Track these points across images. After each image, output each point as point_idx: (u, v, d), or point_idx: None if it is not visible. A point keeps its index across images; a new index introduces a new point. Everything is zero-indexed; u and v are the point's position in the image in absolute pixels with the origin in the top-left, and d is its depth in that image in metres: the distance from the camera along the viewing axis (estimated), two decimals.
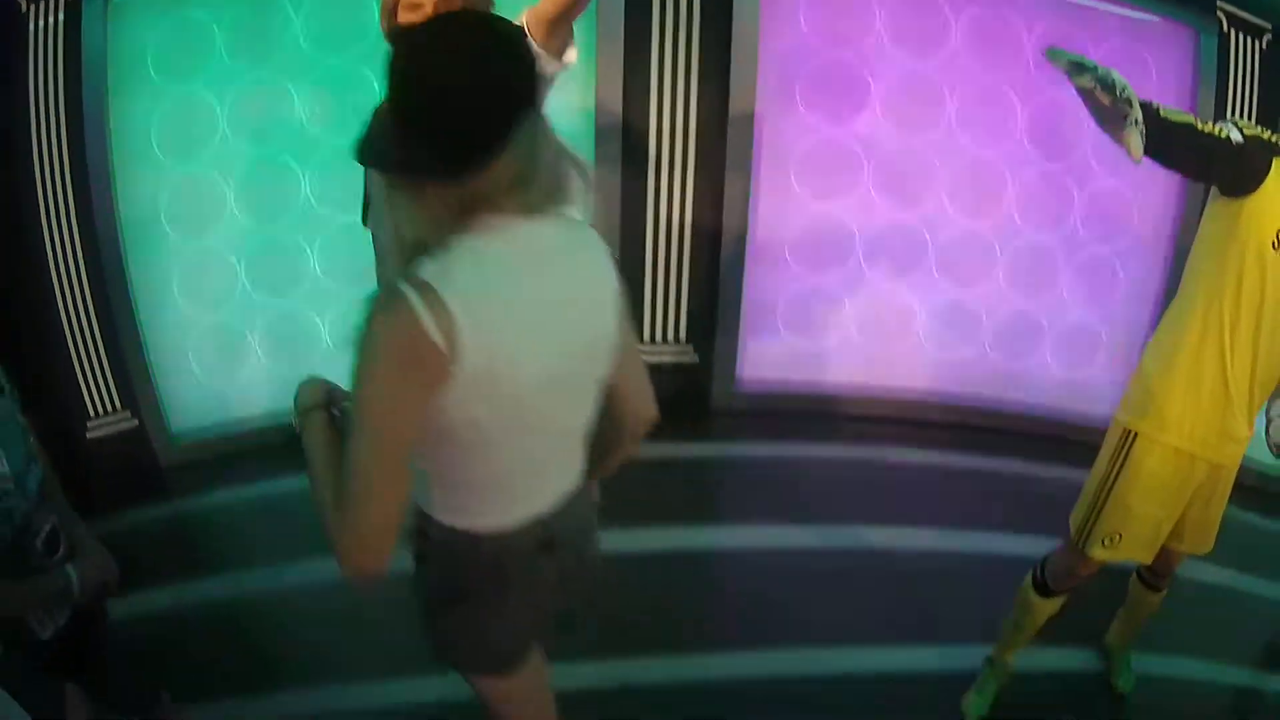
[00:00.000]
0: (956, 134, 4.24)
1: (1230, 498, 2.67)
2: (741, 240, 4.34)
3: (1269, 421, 2.66)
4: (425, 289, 1.40)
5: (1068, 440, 4.40)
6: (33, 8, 3.53)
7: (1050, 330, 4.57)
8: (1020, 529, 3.73)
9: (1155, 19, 4.08)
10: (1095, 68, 2.06)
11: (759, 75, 4.09)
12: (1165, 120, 2.16)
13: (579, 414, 1.70)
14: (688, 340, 4.55)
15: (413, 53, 1.42)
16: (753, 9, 3.98)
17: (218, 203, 3.93)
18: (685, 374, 4.59)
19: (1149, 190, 4.29)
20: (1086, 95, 2.09)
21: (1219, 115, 4.00)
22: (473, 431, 1.53)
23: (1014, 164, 4.29)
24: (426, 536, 1.73)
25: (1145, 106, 2.11)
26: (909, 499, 4.05)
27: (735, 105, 4.10)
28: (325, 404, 1.71)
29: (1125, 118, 2.07)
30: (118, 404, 4.10)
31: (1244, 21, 3.99)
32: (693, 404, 4.59)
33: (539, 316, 1.52)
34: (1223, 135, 2.21)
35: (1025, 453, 4.41)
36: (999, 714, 2.98)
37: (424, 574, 1.80)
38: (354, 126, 1.55)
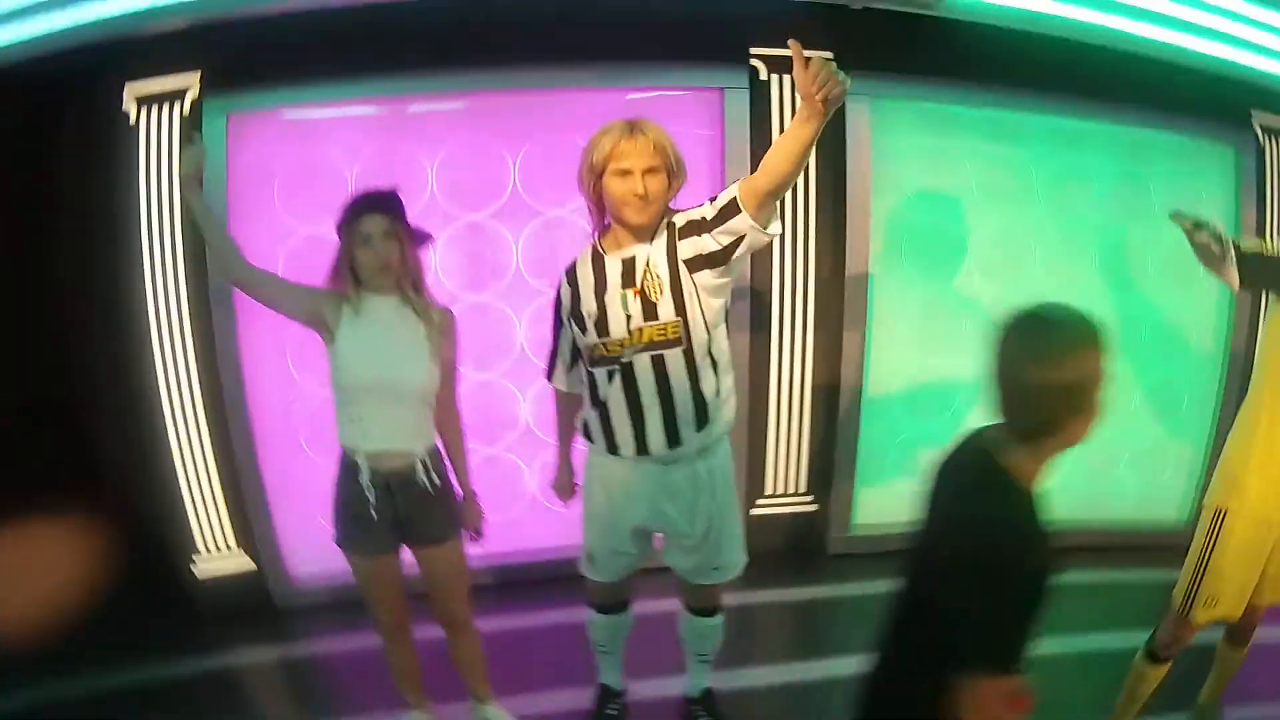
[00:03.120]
0: (1042, 280, 4.73)
1: None
2: (858, 392, 4.68)
3: None
4: None
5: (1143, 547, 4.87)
6: (144, 116, 3.56)
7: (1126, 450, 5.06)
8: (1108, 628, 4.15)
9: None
10: (1208, 224, 2.78)
11: (870, 236, 4.49)
12: (1245, 253, 2.84)
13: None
14: (808, 490, 4.81)
15: None
16: (864, 175, 4.41)
17: None
18: (803, 522, 4.84)
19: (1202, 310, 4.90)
20: (1200, 247, 2.79)
21: (1260, 225, 4.66)
22: None
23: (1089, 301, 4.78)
24: None
25: (1236, 246, 2.82)
26: None
27: (851, 265, 4.49)
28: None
29: (1225, 258, 2.74)
30: (233, 544, 4.14)
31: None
32: (810, 550, 4.87)
33: None
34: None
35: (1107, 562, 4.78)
36: None
37: None
38: None
